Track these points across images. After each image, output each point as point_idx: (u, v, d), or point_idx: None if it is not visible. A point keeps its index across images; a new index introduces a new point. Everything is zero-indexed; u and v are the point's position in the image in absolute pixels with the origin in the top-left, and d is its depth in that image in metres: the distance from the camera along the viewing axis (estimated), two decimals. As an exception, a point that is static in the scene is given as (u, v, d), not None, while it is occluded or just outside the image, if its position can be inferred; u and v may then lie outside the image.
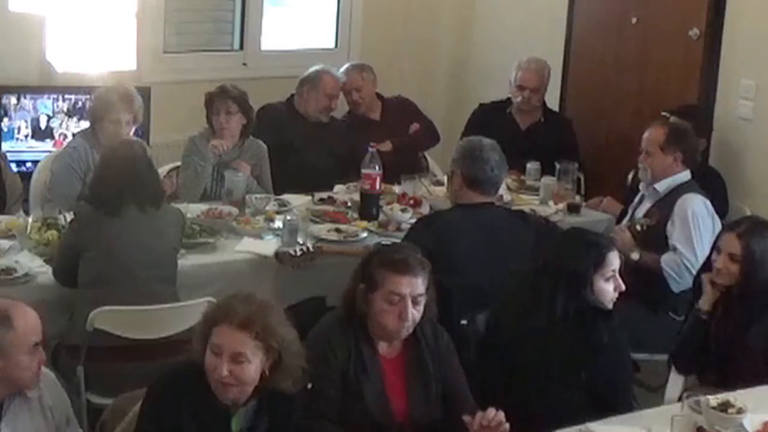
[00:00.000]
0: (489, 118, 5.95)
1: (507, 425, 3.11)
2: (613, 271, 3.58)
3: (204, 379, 2.94)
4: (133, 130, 5.02)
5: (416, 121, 6.17)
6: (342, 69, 6.12)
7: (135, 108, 4.98)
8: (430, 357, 3.43)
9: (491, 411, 3.12)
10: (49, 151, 5.60)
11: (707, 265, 4.04)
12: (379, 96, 6.17)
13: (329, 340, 3.35)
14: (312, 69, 5.88)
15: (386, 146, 5.79)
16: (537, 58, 6.02)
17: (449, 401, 3.43)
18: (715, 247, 3.96)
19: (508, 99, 6.06)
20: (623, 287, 3.60)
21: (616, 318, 3.61)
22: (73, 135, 5.68)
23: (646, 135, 4.86)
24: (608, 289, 3.57)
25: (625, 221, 4.92)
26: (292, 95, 5.89)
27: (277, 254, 4.37)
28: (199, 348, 2.96)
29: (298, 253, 4.34)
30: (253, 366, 2.92)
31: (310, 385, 3.16)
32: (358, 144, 5.47)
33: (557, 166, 5.45)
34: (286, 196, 5.18)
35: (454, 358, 3.50)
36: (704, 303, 3.96)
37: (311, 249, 4.38)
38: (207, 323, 2.97)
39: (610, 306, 3.60)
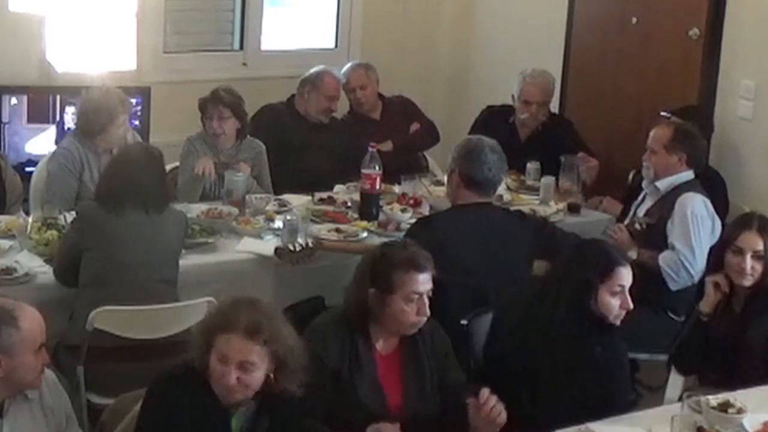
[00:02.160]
0: (492, 123, 5.79)
1: (504, 413, 3.14)
2: (621, 286, 3.49)
3: (203, 379, 2.94)
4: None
5: (416, 120, 6.17)
6: (346, 67, 6.11)
7: (130, 108, 5.02)
8: (426, 353, 3.44)
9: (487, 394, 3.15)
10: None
11: (711, 268, 4.04)
12: (379, 95, 6.15)
13: (325, 337, 3.35)
14: (313, 69, 5.87)
15: (387, 146, 5.78)
16: (542, 70, 5.86)
17: (446, 397, 3.43)
18: (729, 249, 3.87)
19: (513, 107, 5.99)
20: (631, 306, 3.50)
21: (616, 332, 3.54)
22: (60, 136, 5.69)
23: (652, 133, 4.85)
24: (614, 304, 3.48)
25: (628, 219, 4.92)
26: (293, 95, 5.88)
27: (276, 250, 4.38)
28: (199, 354, 2.95)
29: (297, 249, 4.35)
30: (260, 372, 2.94)
31: None
32: (358, 143, 5.47)
33: (562, 159, 5.40)
34: (286, 196, 5.18)
35: (452, 355, 3.51)
36: (705, 305, 3.95)
37: (310, 245, 4.39)
38: (209, 330, 2.95)
39: (615, 322, 3.52)
